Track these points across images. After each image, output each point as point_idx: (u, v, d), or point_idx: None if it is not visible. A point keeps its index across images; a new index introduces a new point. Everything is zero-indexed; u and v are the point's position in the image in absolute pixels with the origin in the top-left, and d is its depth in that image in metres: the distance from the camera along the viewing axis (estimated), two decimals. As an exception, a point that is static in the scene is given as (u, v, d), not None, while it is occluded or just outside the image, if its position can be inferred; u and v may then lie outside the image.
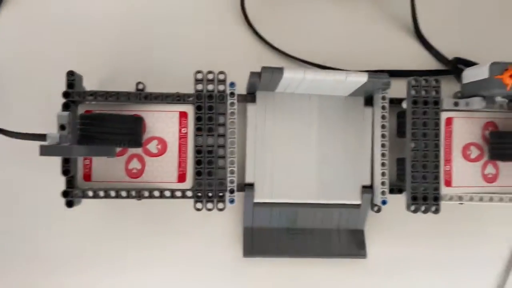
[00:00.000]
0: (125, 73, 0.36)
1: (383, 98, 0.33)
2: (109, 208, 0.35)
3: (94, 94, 0.29)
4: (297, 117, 0.34)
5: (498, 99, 0.30)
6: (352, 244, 0.36)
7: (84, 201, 0.31)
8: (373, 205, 0.35)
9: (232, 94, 0.32)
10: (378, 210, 0.35)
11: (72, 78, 0.29)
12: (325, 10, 0.38)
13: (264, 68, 0.30)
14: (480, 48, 0.37)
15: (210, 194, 0.29)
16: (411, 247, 0.37)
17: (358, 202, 0.34)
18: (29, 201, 0.35)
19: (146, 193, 0.29)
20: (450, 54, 0.37)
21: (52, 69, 0.34)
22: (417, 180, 0.30)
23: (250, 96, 0.34)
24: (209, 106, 0.29)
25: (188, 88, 0.31)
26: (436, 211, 0.30)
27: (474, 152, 0.32)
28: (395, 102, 0.34)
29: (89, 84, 0.34)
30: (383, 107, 0.33)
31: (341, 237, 0.36)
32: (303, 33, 0.38)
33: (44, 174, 0.33)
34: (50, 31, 0.36)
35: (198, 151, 0.29)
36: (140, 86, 0.34)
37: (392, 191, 0.34)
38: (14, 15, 0.36)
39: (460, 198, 0.31)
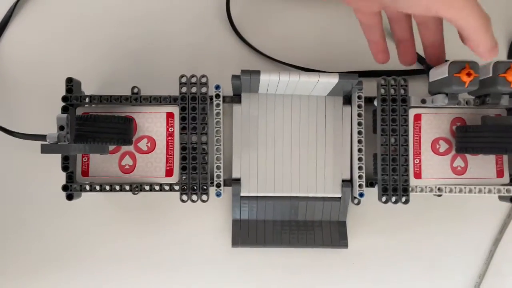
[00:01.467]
0: (123, 78, 0.39)
1: (359, 97, 0.35)
2: (106, 203, 0.38)
3: (90, 98, 0.32)
4: (279, 116, 0.37)
5: (464, 95, 0.32)
6: (334, 234, 0.38)
7: (84, 195, 0.35)
8: (353, 197, 0.37)
9: (217, 95, 0.35)
10: (358, 203, 0.37)
11: (71, 84, 0.33)
12: (308, 15, 0.40)
13: (242, 71, 0.32)
14: (455, 49, 0.39)
15: (194, 187, 0.32)
16: (392, 237, 0.39)
17: (339, 195, 0.37)
18: (33, 194, 0.38)
19: (137, 187, 0.32)
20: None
21: (56, 74, 0.38)
22: (387, 173, 0.32)
23: (236, 97, 0.37)
24: (193, 107, 0.32)
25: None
26: (406, 201, 0.32)
27: (443, 146, 0.34)
28: (372, 100, 0.36)
29: (91, 87, 0.38)
30: (359, 106, 0.35)
31: (323, 228, 0.38)
32: (288, 37, 0.40)
33: (48, 170, 0.37)
34: (56, 39, 0.39)
35: (183, 148, 0.32)
36: (135, 90, 0.37)
37: (372, 184, 0.36)
38: (20, 25, 0.39)
39: (431, 189, 0.33)
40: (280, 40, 0.40)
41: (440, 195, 0.37)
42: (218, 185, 0.35)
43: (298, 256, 0.39)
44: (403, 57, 0.33)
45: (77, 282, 0.38)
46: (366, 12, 0.30)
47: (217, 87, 0.35)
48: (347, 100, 0.37)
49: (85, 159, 0.34)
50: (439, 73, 0.30)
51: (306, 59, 0.40)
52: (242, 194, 0.36)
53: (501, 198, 0.34)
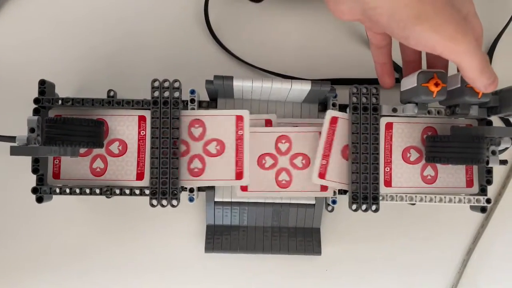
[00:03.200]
0: (100, 81, 0.39)
1: (334, 104, 0.35)
2: (79, 207, 0.38)
3: (62, 100, 0.32)
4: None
5: (436, 105, 0.32)
6: (308, 241, 0.38)
7: (57, 198, 0.35)
8: (326, 204, 0.37)
9: (192, 100, 0.35)
10: (332, 210, 0.37)
11: (43, 86, 0.32)
12: (287, 21, 0.40)
13: (215, 76, 0.32)
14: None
15: (165, 192, 0.32)
16: (366, 245, 0.39)
17: (313, 202, 0.37)
18: (4, 196, 0.38)
19: (108, 190, 0.32)
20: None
21: (32, 77, 0.38)
22: (357, 181, 0.32)
23: (213, 103, 0.37)
24: (164, 111, 0.32)
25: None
26: (376, 210, 0.32)
27: (413, 155, 0.34)
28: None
29: (67, 90, 0.38)
30: (334, 113, 0.35)
31: (297, 235, 0.38)
32: (267, 43, 0.40)
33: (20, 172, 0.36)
34: (32, 42, 0.39)
35: (153, 152, 0.32)
36: (111, 93, 0.37)
37: (345, 191, 0.36)
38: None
39: (401, 198, 0.33)
40: (259, 46, 0.40)
41: (413, 204, 0.37)
42: (191, 190, 0.35)
43: (271, 263, 0.39)
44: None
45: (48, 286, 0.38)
46: (377, 32, 0.32)
47: (192, 91, 0.35)
48: (324, 107, 0.37)
49: (56, 161, 0.33)
50: (409, 82, 0.30)
51: (285, 66, 0.40)
52: (216, 200, 0.36)
53: (472, 207, 0.35)
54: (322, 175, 0.33)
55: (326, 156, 0.33)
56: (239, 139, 0.33)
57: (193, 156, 0.33)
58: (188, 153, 0.33)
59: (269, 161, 0.34)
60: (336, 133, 0.33)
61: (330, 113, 0.34)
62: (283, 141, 0.34)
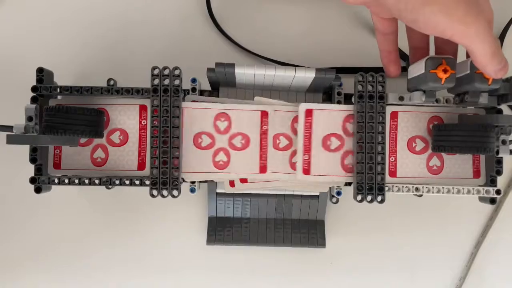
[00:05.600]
0: (100, 70, 0.38)
1: (338, 93, 0.34)
2: (79, 198, 0.38)
3: (60, 89, 0.32)
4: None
5: (444, 93, 0.31)
6: (312, 234, 0.37)
7: (58, 192, 0.34)
8: (331, 196, 0.36)
9: (194, 89, 0.34)
10: (336, 201, 0.36)
11: (41, 74, 0.32)
12: (292, 10, 0.40)
13: (217, 64, 0.32)
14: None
15: (165, 182, 0.31)
16: (371, 238, 0.38)
17: (317, 193, 0.36)
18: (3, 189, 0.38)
19: (107, 181, 0.32)
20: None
21: (32, 66, 0.37)
22: (362, 171, 0.31)
23: (215, 92, 0.36)
24: (164, 99, 0.31)
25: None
26: (382, 201, 0.31)
27: (419, 145, 0.33)
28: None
29: (68, 79, 0.37)
30: (338, 102, 0.34)
31: (301, 227, 0.37)
32: (271, 32, 0.39)
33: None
34: (32, 30, 0.39)
35: (153, 142, 0.31)
36: (111, 82, 0.36)
37: (350, 183, 0.36)
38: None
39: (408, 189, 0.32)
40: (262, 35, 0.39)
41: (420, 195, 0.36)
42: (193, 182, 0.34)
43: (274, 255, 0.38)
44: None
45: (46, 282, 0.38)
46: (384, 17, 0.31)
47: (194, 80, 0.34)
48: (328, 97, 0.36)
49: (57, 151, 0.33)
50: (416, 69, 0.29)
51: (289, 55, 0.39)
52: (218, 191, 0.36)
53: (481, 199, 0.34)
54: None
55: (307, 151, 0.32)
56: (264, 134, 0.32)
57: (218, 149, 0.33)
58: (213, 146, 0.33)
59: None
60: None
61: (303, 106, 0.32)
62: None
